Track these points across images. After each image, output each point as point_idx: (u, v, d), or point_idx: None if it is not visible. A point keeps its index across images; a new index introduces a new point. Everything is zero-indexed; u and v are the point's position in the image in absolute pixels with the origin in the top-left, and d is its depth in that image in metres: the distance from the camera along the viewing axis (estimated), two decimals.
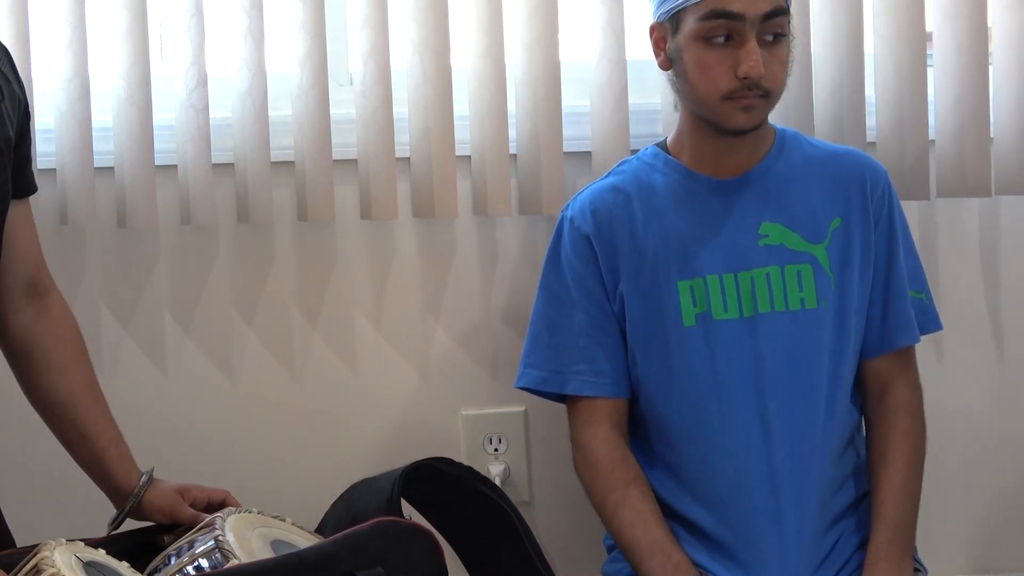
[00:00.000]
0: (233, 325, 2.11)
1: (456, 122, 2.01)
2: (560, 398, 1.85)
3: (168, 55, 2.05)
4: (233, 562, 1.43)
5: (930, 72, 2.02)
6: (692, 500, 1.77)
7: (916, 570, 1.77)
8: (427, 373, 2.13)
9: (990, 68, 2.01)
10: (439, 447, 1.99)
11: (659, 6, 1.73)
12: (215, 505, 1.69)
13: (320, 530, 1.64)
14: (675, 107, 1.82)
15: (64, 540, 1.41)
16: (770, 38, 1.67)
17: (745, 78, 1.65)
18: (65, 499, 1.99)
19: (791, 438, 1.73)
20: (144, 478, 1.67)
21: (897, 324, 1.79)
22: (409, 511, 1.64)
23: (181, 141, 1.99)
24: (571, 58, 2.04)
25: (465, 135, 2.03)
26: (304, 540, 1.57)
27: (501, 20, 2.00)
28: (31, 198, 1.70)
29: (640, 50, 2.06)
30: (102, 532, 1.62)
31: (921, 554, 1.81)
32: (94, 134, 1.99)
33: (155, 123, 2.00)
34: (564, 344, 1.82)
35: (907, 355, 1.81)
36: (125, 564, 1.45)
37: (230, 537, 1.48)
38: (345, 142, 2.03)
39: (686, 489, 1.78)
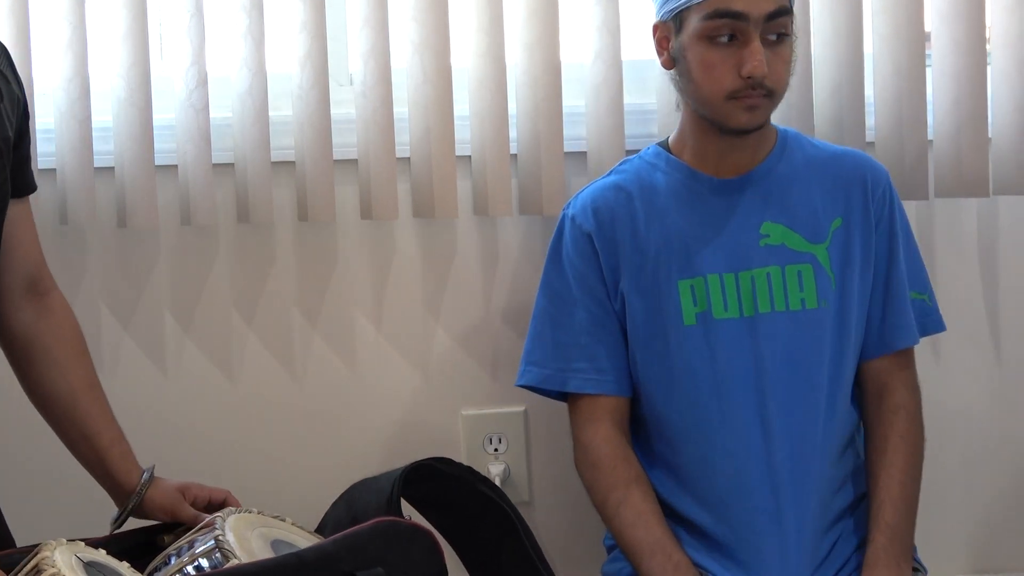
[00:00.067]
0: (233, 325, 2.11)
1: (456, 122, 2.02)
2: (561, 396, 1.85)
3: (168, 55, 2.05)
4: (233, 562, 1.43)
5: (928, 72, 2.02)
6: (692, 500, 1.77)
7: (916, 570, 1.77)
8: (427, 373, 2.13)
9: (988, 68, 2.01)
10: (439, 447, 2.00)
11: (662, 5, 1.73)
12: (216, 504, 1.69)
13: (320, 530, 1.64)
14: (677, 106, 1.82)
15: (64, 540, 1.41)
16: (774, 38, 1.68)
17: (749, 77, 1.65)
18: (65, 499, 1.99)
19: (791, 438, 1.73)
20: (146, 475, 1.67)
21: (896, 325, 1.79)
22: (409, 511, 1.64)
23: (181, 141, 1.99)
24: (567, 58, 2.04)
25: (465, 135, 2.03)
26: (304, 540, 1.57)
27: (502, 20, 2.01)
28: (31, 197, 1.70)
29: (636, 50, 2.06)
30: (102, 532, 1.62)
31: (921, 554, 1.82)
32: (94, 134, 1.99)
33: (155, 123, 2.00)
34: (566, 342, 1.82)
35: (906, 356, 1.81)
36: (126, 564, 1.45)
37: (230, 537, 1.48)
38: (345, 142, 2.03)
39: (686, 489, 1.78)
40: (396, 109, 2.01)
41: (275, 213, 2.04)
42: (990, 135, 2.02)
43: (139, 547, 1.60)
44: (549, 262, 1.85)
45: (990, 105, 2.01)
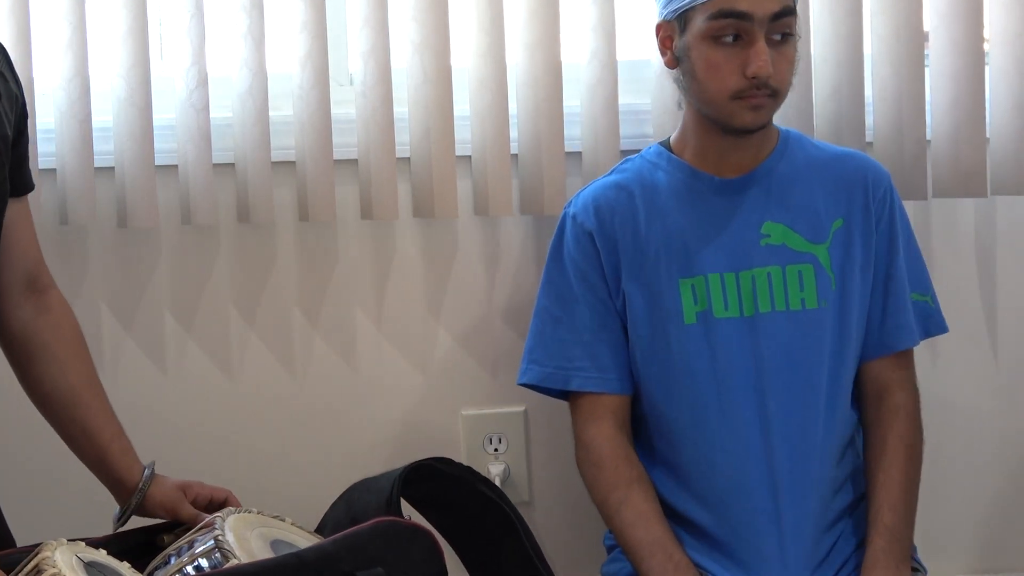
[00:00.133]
0: (234, 325, 2.11)
1: (457, 122, 2.02)
2: (563, 395, 1.85)
3: (168, 55, 2.05)
4: (233, 562, 1.42)
5: (927, 72, 2.02)
6: (692, 499, 1.77)
7: (915, 570, 1.77)
8: (428, 373, 2.13)
9: (986, 68, 2.01)
10: (439, 447, 2.00)
11: (666, 5, 1.73)
12: (217, 503, 1.69)
13: (320, 530, 1.64)
14: (679, 105, 1.82)
15: (65, 540, 1.41)
16: (778, 38, 1.68)
17: (754, 77, 1.66)
18: (65, 499, 1.99)
19: (791, 438, 1.73)
20: (147, 472, 1.67)
21: (896, 326, 1.79)
22: (409, 511, 1.64)
23: (181, 141, 1.99)
24: (562, 58, 2.04)
25: (466, 135, 2.03)
26: (304, 540, 1.57)
27: (502, 20, 2.01)
28: (30, 196, 1.70)
29: (631, 51, 2.07)
30: (102, 532, 1.62)
31: (921, 554, 1.82)
32: (94, 134, 1.99)
33: (155, 123, 2.00)
34: (568, 340, 1.82)
35: (905, 358, 1.81)
36: (126, 564, 1.45)
37: (230, 537, 1.48)
38: (345, 142, 2.03)
39: (686, 488, 1.78)
40: (396, 109, 2.01)
41: (275, 213, 2.04)
42: (988, 135, 2.02)
43: (139, 547, 1.60)
44: (550, 260, 1.85)
45: (988, 105, 2.01)
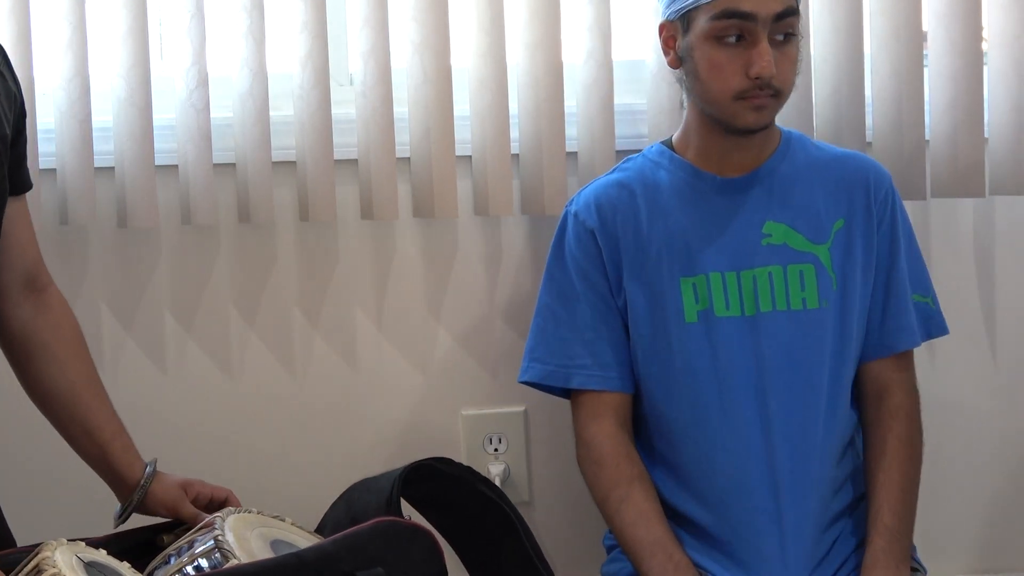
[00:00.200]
0: (234, 325, 2.11)
1: (457, 122, 2.02)
2: (564, 393, 1.85)
3: (168, 55, 2.05)
4: (233, 562, 1.43)
5: (926, 72, 2.03)
6: (692, 499, 1.77)
7: (915, 570, 1.77)
8: (428, 373, 2.13)
9: (985, 69, 2.02)
10: (439, 447, 2.00)
11: (669, 5, 1.73)
12: (217, 503, 1.69)
13: (320, 530, 1.64)
14: (681, 105, 1.82)
15: (65, 540, 1.41)
16: (781, 38, 1.68)
17: (757, 78, 1.66)
18: (65, 499, 1.99)
19: (791, 437, 1.73)
20: (149, 469, 1.67)
21: (896, 327, 1.79)
22: (409, 511, 1.65)
23: (182, 141, 1.99)
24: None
25: (466, 135, 2.03)
26: (304, 540, 1.57)
27: (502, 20, 2.01)
28: (29, 196, 1.70)
29: (626, 51, 2.07)
30: (102, 531, 1.62)
31: (921, 554, 1.82)
32: (94, 134, 1.99)
33: (155, 123, 2.00)
34: (569, 338, 1.82)
35: (905, 359, 1.81)
36: (126, 564, 1.45)
37: (230, 537, 1.48)
38: (346, 142, 2.03)
39: (686, 488, 1.78)
40: (396, 109, 2.01)
41: (276, 213, 2.05)
42: (986, 135, 2.02)
43: (139, 547, 1.60)
44: (552, 258, 1.85)
45: (986, 105, 2.01)
